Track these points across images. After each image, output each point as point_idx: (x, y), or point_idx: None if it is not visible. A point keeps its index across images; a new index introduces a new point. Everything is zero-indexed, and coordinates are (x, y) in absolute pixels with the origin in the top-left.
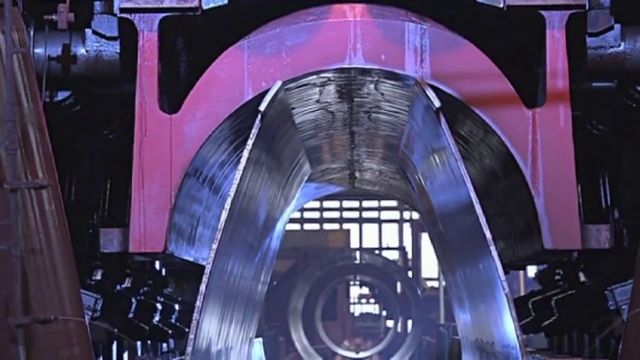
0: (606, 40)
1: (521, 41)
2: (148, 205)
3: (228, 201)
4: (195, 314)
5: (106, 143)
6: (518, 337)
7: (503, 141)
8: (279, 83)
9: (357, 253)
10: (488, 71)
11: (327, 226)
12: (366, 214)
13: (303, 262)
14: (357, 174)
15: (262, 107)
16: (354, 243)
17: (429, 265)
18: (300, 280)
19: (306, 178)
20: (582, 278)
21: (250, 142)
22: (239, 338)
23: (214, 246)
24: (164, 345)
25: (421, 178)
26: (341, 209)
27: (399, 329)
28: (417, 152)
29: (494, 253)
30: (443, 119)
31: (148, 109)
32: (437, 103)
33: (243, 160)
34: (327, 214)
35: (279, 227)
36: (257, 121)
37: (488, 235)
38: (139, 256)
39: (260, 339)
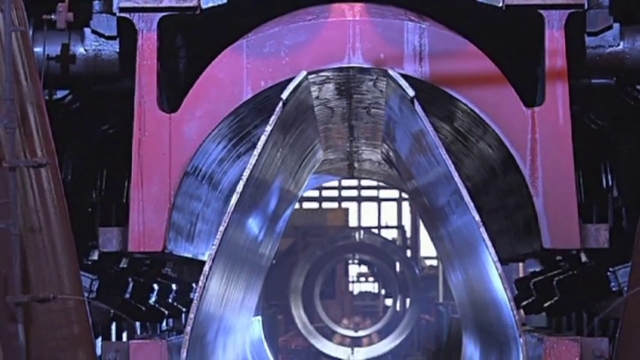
0: (605, 40)
1: (520, 40)
2: (147, 205)
3: (240, 184)
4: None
5: (105, 136)
6: (514, 316)
7: (502, 140)
8: (304, 73)
9: (357, 232)
10: (488, 70)
11: (325, 205)
12: (364, 193)
13: (302, 240)
14: (356, 164)
15: (284, 95)
16: (353, 222)
17: (428, 244)
18: (300, 258)
19: (317, 165)
20: (583, 259)
21: (269, 128)
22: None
23: (221, 228)
24: (163, 324)
25: (406, 163)
26: (340, 188)
27: (398, 308)
28: (400, 140)
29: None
30: (418, 106)
31: (147, 108)
32: (411, 92)
33: (260, 145)
34: (325, 193)
35: (287, 213)
36: (277, 109)
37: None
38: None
39: (259, 317)
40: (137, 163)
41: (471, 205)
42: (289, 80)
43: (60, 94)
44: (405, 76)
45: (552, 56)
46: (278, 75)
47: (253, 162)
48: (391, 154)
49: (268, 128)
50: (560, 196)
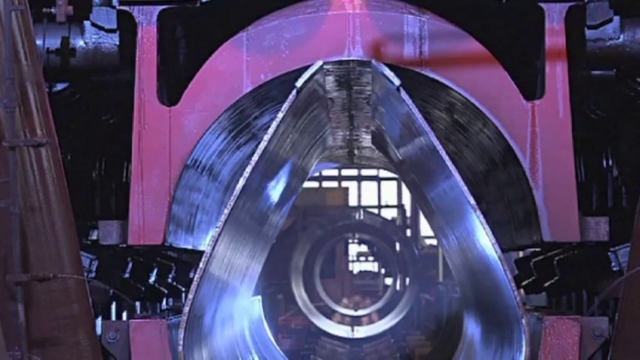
0: (605, 33)
1: (520, 33)
2: (146, 198)
3: (249, 168)
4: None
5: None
6: (515, 297)
7: (501, 133)
8: (320, 63)
9: (356, 212)
10: (488, 63)
11: (325, 184)
12: (364, 172)
13: (302, 220)
14: (356, 152)
15: (299, 84)
16: (353, 201)
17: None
18: (301, 238)
19: (325, 152)
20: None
21: (281, 114)
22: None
23: (226, 211)
24: (163, 304)
25: (394, 148)
26: (339, 167)
27: (398, 287)
28: (389, 126)
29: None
30: (404, 93)
31: (147, 101)
32: (396, 82)
33: (271, 131)
34: (325, 172)
35: (292, 199)
36: (291, 97)
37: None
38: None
39: (259, 297)
40: (137, 156)
41: (453, 168)
42: (289, 73)
43: (60, 86)
44: (405, 69)
45: (552, 49)
46: (278, 68)
47: (263, 147)
48: (381, 138)
49: (280, 115)
50: (560, 190)
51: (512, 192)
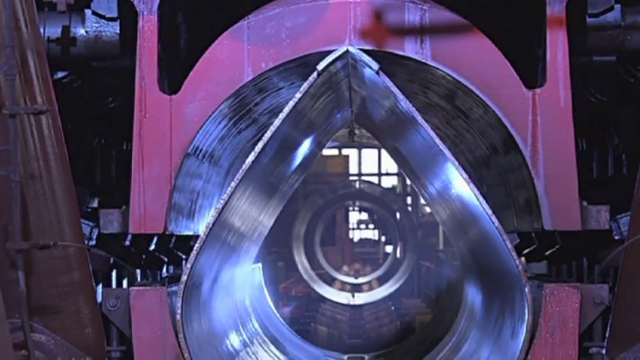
0: (606, 21)
1: (521, 21)
2: (147, 187)
3: (260, 145)
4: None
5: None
6: (517, 266)
7: (502, 121)
8: (344, 48)
9: (357, 181)
10: (489, 52)
11: (326, 152)
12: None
13: (302, 187)
14: (357, 132)
15: (320, 67)
16: (353, 169)
17: None
18: (302, 207)
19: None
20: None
21: (299, 95)
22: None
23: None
24: (163, 271)
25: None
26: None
27: (398, 255)
28: (374, 109)
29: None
30: (384, 76)
31: (148, 90)
32: (375, 66)
33: (286, 110)
34: None
35: (301, 177)
36: (311, 78)
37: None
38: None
39: (259, 264)
40: (138, 144)
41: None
42: (290, 62)
43: (60, 74)
44: (405, 57)
45: (553, 37)
46: (279, 57)
47: (277, 124)
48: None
49: (298, 95)
50: (561, 178)
51: (513, 178)
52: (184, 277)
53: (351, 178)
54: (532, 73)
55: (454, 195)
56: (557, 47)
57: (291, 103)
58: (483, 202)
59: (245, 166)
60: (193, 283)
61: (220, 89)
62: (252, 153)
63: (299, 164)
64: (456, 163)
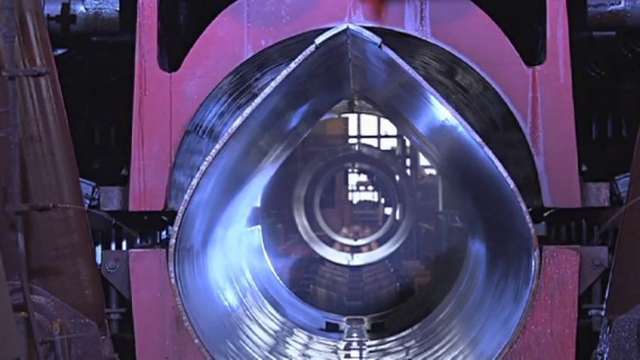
0: None
1: None
2: (147, 164)
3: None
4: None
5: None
6: (530, 229)
7: (502, 98)
8: (344, 25)
9: (356, 144)
10: (489, 29)
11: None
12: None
13: (301, 149)
14: (356, 102)
15: (318, 41)
16: (353, 131)
17: None
18: (303, 169)
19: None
20: (584, 168)
21: (294, 65)
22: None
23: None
24: (163, 233)
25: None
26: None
27: (397, 217)
28: (376, 82)
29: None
30: (387, 48)
31: (148, 67)
32: (377, 40)
33: (279, 79)
34: None
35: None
36: (307, 51)
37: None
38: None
39: (259, 226)
40: (138, 122)
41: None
42: (290, 39)
43: (59, 51)
44: (405, 35)
45: (553, 14)
46: (279, 34)
47: (268, 92)
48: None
49: (293, 65)
50: (561, 156)
51: (512, 154)
52: (172, 241)
53: (351, 140)
54: (532, 50)
55: (467, 158)
56: (557, 24)
57: (284, 72)
58: (499, 164)
59: (231, 130)
60: (184, 246)
61: (220, 66)
62: (240, 117)
63: (292, 131)
64: (469, 127)
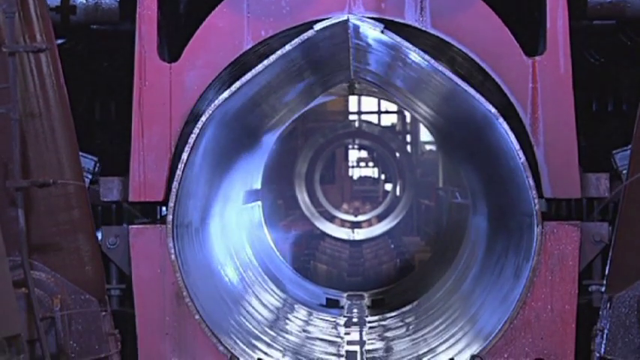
0: None
1: None
2: (147, 155)
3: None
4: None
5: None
6: (535, 205)
7: (502, 89)
8: (344, 16)
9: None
10: (489, 19)
11: None
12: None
13: (302, 126)
14: (357, 85)
15: (317, 27)
16: (353, 107)
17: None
18: (304, 146)
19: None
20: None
21: (289, 47)
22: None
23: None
24: (163, 208)
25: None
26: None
27: (397, 193)
28: (378, 65)
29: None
30: (389, 32)
31: (148, 57)
32: (379, 26)
33: (273, 57)
34: None
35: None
36: (304, 35)
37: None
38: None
39: (259, 202)
40: (137, 112)
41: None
42: (289, 30)
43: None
44: (406, 26)
45: (553, 5)
46: (279, 25)
47: (260, 69)
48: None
49: (288, 47)
50: (561, 146)
51: None
52: (170, 217)
53: (351, 117)
54: (532, 41)
55: (476, 131)
56: (557, 15)
57: (279, 52)
58: (512, 136)
59: (218, 102)
60: (182, 222)
61: (220, 57)
62: (228, 90)
63: (284, 109)
64: (483, 98)
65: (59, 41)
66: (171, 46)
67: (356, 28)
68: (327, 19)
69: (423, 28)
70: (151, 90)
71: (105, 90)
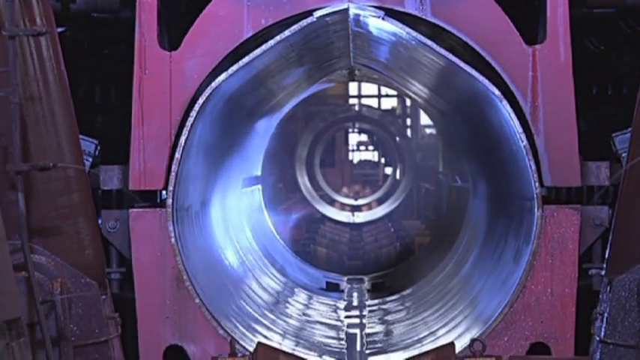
0: None
1: None
2: (147, 143)
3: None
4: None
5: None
6: (536, 188)
7: (502, 77)
8: (344, 4)
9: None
10: (489, 8)
11: None
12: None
13: (302, 109)
14: (357, 72)
15: (317, 14)
16: (353, 91)
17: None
18: (305, 130)
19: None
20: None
21: (288, 32)
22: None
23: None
24: (163, 192)
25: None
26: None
27: (397, 176)
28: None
29: None
30: (390, 19)
31: (148, 46)
32: (380, 13)
33: (272, 42)
34: None
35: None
36: (304, 22)
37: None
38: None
39: (259, 186)
40: (138, 101)
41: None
42: (289, 18)
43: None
44: (406, 14)
45: None
46: (278, 13)
47: (258, 53)
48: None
49: (287, 33)
50: (561, 134)
51: None
52: (169, 200)
53: (351, 100)
54: (532, 29)
55: (477, 115)
56: (557, 3)
57: (277, 37)
58: (515, 119)
59: (215, 83)
60: (182, 206)
61: (220, 45)
62: (225, 72)
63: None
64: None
65: (60, 29)
66: (172, 35)
67: (356, 15)
68: (327, 7)
69: (423, 17)
70: (151, 78)
71: (105, 76)
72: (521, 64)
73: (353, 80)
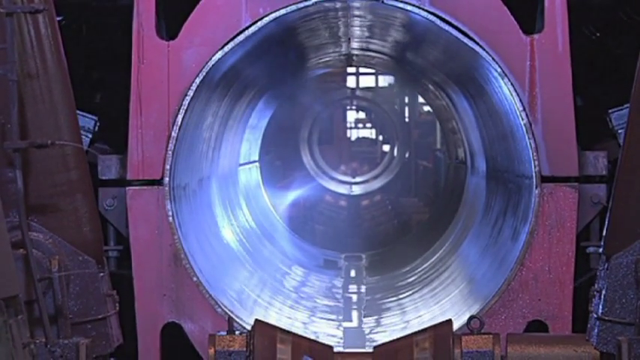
0: None
1: None
2: (145, 133)
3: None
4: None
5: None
6: (535, 166)
7: (501, 67)
8: None
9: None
10: None
11: None
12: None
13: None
14: (355, 58)
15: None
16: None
17: None
18: (307, 112)
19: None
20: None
21: (283, 11)
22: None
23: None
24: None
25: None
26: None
27: (395, 154)
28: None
29: None
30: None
31: (146, 35)
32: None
33: (267, 19)
34: None
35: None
36: (300, 3)
37: None
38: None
39: (257, 164)
40: (135, 90)
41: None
42: (288, 7)
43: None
44: (404, 3)
45: None
46: (276, 2)
47: (253, 29)
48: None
49: (283, 11)
50: (559, 125)
51: None
52: (166, 179)
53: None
54: (530, 19)
55: (478, 93)
56: None
57: (272, 15)
58: (516, 96)
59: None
60: (179, 184)
61: (218, 35)
62: (221, 51)
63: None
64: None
65: (58, 18)
66: (170, 24)
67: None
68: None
69: (421, 6)
70: (149, 68)
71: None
72: (519, 53)
73: (350, 66)
